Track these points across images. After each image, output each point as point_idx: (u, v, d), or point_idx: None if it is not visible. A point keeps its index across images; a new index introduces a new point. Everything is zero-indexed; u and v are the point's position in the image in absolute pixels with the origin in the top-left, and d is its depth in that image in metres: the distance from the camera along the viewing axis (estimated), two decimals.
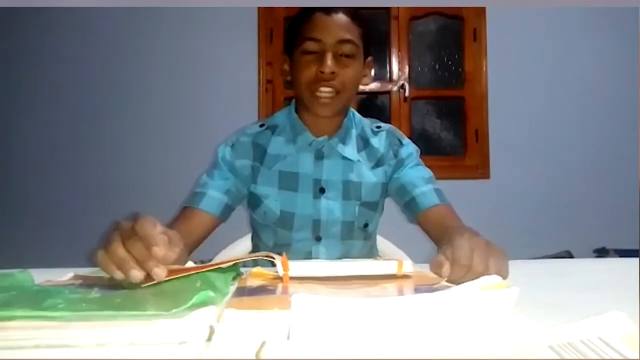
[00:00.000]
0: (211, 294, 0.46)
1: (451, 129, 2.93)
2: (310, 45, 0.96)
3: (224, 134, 1.14)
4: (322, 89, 0.97)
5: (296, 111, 1.09)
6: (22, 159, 2.80)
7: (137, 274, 0.55)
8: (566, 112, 2.79)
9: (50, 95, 2.78)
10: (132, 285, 0.56)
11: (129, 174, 2.74)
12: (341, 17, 0.97)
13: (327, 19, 0.96)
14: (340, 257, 1.07)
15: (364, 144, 1.10)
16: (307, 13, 0.99)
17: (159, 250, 0.56)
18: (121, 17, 2.75)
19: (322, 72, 0.95)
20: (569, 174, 2.76)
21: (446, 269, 0.61)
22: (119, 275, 0.56)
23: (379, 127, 1.14)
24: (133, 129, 2.76)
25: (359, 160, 1.08)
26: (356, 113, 1.14)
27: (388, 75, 2.89)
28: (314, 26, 0.97)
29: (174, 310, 0.41)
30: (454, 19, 2.86)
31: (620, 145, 2.76)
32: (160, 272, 0.56)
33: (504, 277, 0.63)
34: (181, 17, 2.75)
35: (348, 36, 0.96)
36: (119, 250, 0.57)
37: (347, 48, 0.97)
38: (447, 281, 0.61)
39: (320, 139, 1.06)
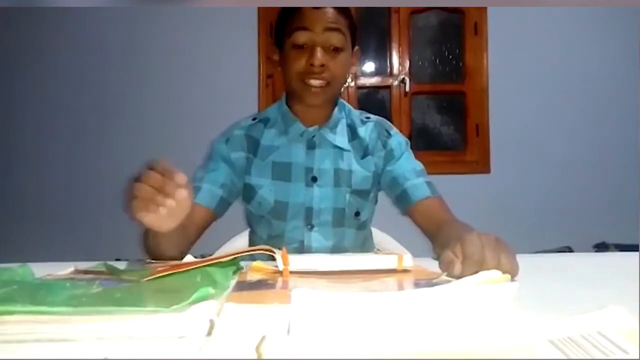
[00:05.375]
0: (211, 290, 0.46)
1: (452, 124, 2.93)
2: (300, 37, 0.98)
3: (224, 129, 1.14)
4: (313, 80, 1.00)
5: (287, 103, 1.11)
6: (21, 155, 2.79)
7: (171, 202, 0.65)
8: (567, 107, 2.78)
9: (49, 93, 2.77)
10: (133, 279, 0.56)
11: (128, 170, 2.72)
12: (328, 9, 1.00)
13: (315, 10, 0.99)
14: (332, 245, 1.08)
15: (353, 134, 1.12)
16: (295, 7, 1.02)
17: (181, 177, 0.65)
18: (121, 15, 2.74)
19: (312, 65, 0.98)
20: (569, 169, 2.76)
21: (458, 267, 0.60)
22: (154, 210, 0.66)
23: (367, 117, 1.16)
24: (133, 125, 2.76)
25: (349, 150, 1.10)
26: (346, 104, 1.16)
27: (388, 69, 2.88)
28: (302, 17, 0.99)
29: (174, 307, 0.41)
30: (454, 13, 2.85)
31: (621, 140, 2.75)
32: (183, 192, 0.65)
33: (515, 273, 0.62)
34: (181, 12, 2.74)
35: (336, 25, 0.99)
36: (144, 187, 0.65)
37: (335, 39, 0.99)
38: (454, 277, 0.60)
39: (311, 129, 1.08)
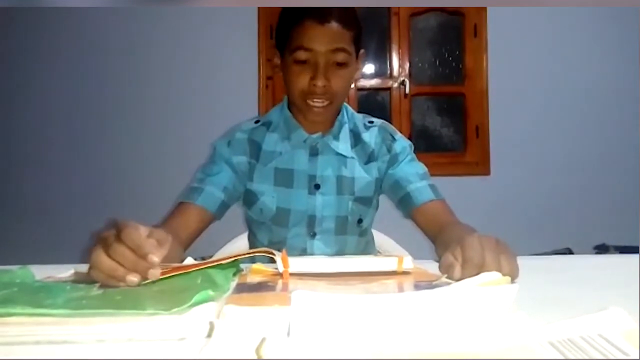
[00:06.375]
0: (211, 292, 0.46)
1: (451, 125, 2.93)
2: (302, 55, 0.95)
3: (224, 130, 1.14)
4: (315, 99, 0.98)
5: (289, 108, 1.09)
6: (20, 157, 2.79)
7: (133, 279, 0.55)
8: (567, 109, 2.78)
9: (50, 93, 2.77)
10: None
11: (128, 171, 2.74)
12: (332, 25, 0.94)
13: (318, 27, 0.93)
14: (335, 253, 1.07)
15: (356, 140, 1.10)
16: (297, 18, 0.95)
17: (155, 258, 0.55)
18: (121, 15, 2.74)
19: (314, 85, 0.95)
20: (569, 170, 2.76)
21: (457, 271, 0.60)
22: (115, 283, 0.56)
23: (371, 122, 1.14)
24: (133, 126, 2.75)
25: (352, 157, 1.08)
26: (349, 107, 1.14)
27: (388, 71, 2.88)
28: (304, 34, 0.94)
29: (174, 310, 0.41)
30: (454, 14, 2.85)
31: (621, 141, 2.75)
32: (155, 272, 0.56)
33: (515, 275, 0.62)
34: (181, 13, 2.74)
35: (340, 44, 0.95)
36: (105, 261, 0.56)
37: (340, 57, 0.96)
38: (454, 280, 0.59)
39: (315, 135, 1.07)
